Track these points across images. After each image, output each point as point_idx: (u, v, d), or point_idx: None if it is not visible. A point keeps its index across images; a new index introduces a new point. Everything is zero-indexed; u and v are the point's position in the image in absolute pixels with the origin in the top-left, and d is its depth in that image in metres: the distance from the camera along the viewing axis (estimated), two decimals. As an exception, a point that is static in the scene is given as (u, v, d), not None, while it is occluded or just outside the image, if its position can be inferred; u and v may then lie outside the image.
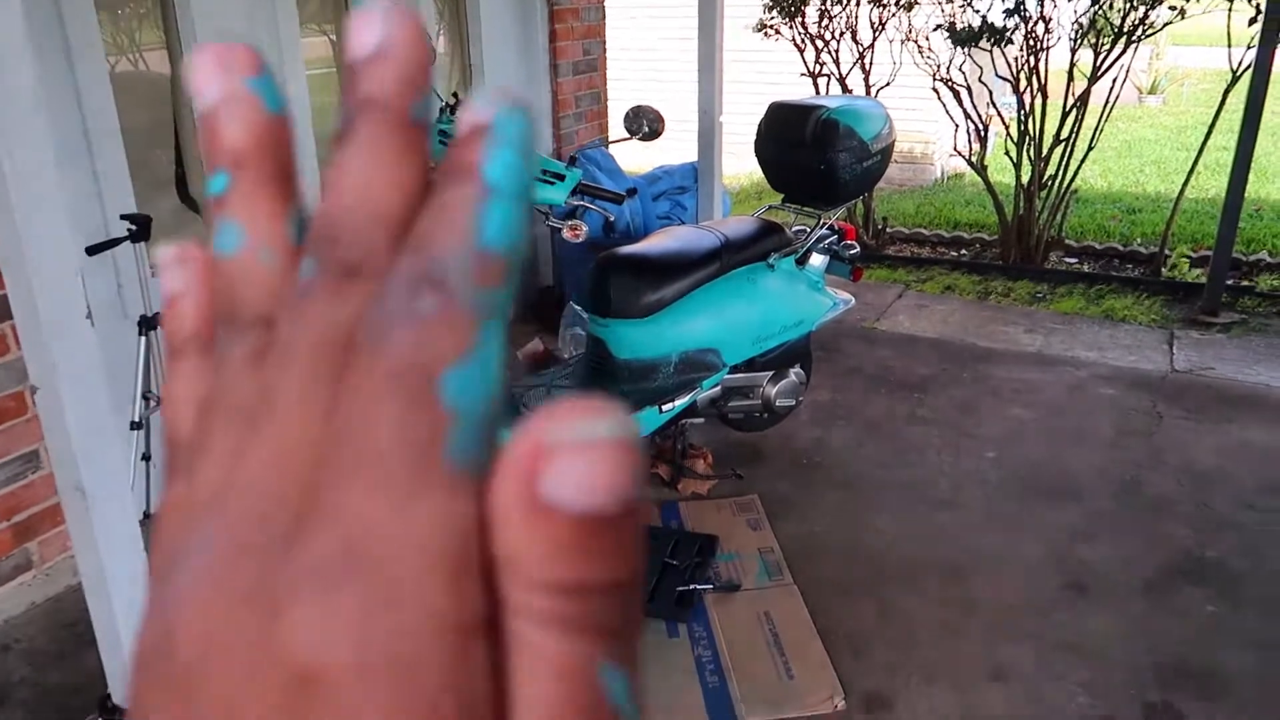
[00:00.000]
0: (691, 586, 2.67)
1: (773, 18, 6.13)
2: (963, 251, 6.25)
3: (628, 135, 2.73)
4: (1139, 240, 6.23)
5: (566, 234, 2.67)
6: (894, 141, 3.40)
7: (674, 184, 4.73)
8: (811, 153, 3.22)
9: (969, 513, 3.14)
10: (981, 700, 2.34)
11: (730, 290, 3.12)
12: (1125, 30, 5.21)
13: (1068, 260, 5.97)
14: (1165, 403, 3.90)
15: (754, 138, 3.48)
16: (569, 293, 4.58)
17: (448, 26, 4.17)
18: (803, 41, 6.09)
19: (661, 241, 3.21)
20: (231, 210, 0.21)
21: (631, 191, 3.05)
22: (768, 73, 7.78)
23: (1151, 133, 9.65)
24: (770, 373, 3.30)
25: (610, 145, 3.49)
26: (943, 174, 8.01)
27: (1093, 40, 5.24)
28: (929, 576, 2.81)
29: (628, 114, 2.72)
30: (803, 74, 6.12)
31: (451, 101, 2.84)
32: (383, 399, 0.17)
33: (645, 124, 2.69)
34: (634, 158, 4.85)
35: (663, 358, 3.04)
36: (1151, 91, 10.90)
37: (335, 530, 0.17)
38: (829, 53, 6.11)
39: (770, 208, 3.61)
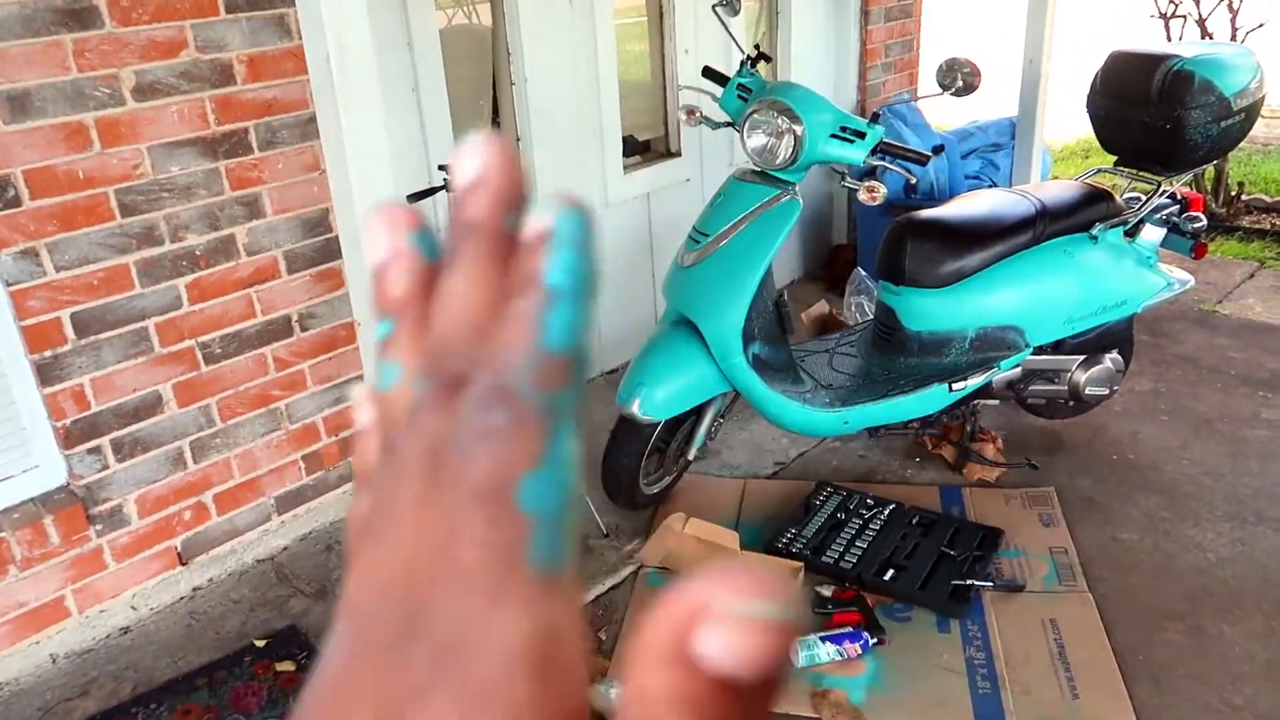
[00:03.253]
0: (969, 581, 2.49)
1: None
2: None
3: (940, 90, 2.51)
4: None
5: (863, 195, 2.52)
6: (1264, 97, 2.89)
7: (987, 141, 4.36)
8: (1157, 109, 2.81)
9: (1319, 540, 2.67)
10: (1315, 766, 1.99)
11: (1043, 263, 2.83)
12: None
13: None
14: None
15: (1087, 91, 3.10)
16: (863, 254, 4.40)
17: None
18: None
19: (968, 205, 2.96)
20: (390, 353, 0.24)
21: (938, 150, 2.81)
22: (1107, 13, 6.95)
23: None
24: (1081, 357, 2.97)
25: (919, 100, 3.25)
26: (1322, 132, 6.79)
27: None
28: (1258, 608, 2.43)
29: (940, 66, 2.50)
30: (1153, 15, 5.39)
31: (753, 54, 2.76)
32: (468, 512, 0.20)
33: (960, 77, 2.46)
34: (945, 112, 4.52)
35: (957, 332, 2.82)
36: None
37: (432, 638, 0.19)
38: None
39: (1100, 171, 3.21)
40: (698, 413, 2.79)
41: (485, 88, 3.31)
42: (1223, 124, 2.79)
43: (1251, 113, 2.85)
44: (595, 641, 2.41)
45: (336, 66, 1.77)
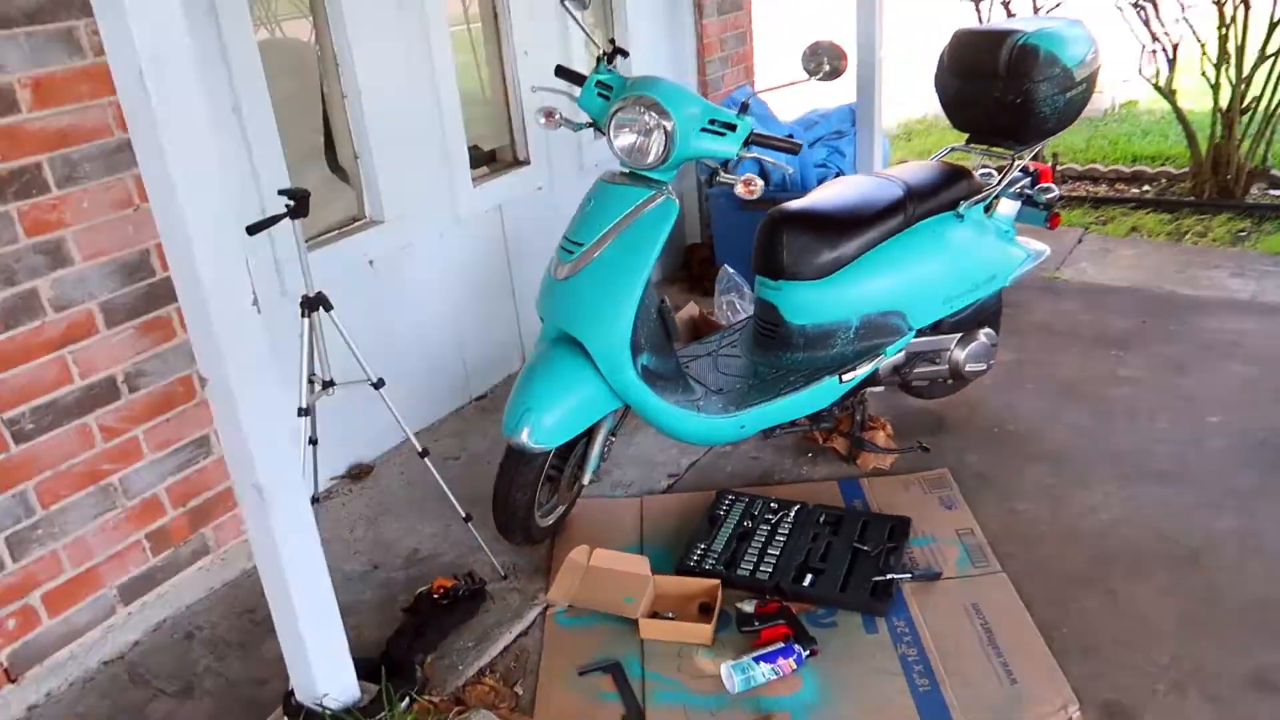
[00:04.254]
0: (889, 576, 2.42)
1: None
2: (1145, 188, 5.66)
3: (806, 76, 2.43)
4: (1356, 166, 5.49)
5: (740, 190, 2.41)
6: (1100, 67, 2.99)
7: (831, 128, 4.39)
8: (1006, 84, 2.85)
9: (1198, 488, 2.76)
10: (1248, 715, 2.02)
11: (916, 245, 2.82)
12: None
13: (1272, 193, 5.32)
14: None
15: (934, 70, 3.13)
16: (720, 252, 4.34)
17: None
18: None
19: (836, 193, 2.92)
20: None
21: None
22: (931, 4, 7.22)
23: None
24: (958, 335, 2.98)
25: (777, 89, 3.20)
26: (1114, 103, 7.31)
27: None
28: (1160, 564, 2.48)
29: (805, 52, 2.42)
30: None
31: (609, 49, 2.61)
32: None
33: (826, 62, 2.40)
34: (784, 102, 4.52)
35: (842, 322, 2.77)
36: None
37: None
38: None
39: (953, 149, 3.25)
40: (589, 434, 2.62)
41: (314, 103, 3.02)
42: (1068, 95, 2.86)
43: (1091, 82, 2.94)
44: (513, 699, 2.20)
45: (153, 83, 1.49)
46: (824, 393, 2.74)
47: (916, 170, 2.98)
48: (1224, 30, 4.95)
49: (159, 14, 1.52)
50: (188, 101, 1.58)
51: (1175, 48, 5.18)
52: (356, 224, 3.13)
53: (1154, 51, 5.23)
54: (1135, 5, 5.13)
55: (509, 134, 3.69)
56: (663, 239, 2.42)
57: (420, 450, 2.48)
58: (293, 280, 2.78)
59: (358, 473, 3.21)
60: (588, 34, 2.60)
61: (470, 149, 3.46)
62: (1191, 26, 5.17)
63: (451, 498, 2.57)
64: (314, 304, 2.23)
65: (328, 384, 2.34)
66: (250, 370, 1.73)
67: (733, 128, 2.42)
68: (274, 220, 2.11)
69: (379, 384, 2.35)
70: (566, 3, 2.58)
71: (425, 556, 2.77)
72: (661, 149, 2.37)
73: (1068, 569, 2.49)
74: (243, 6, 2.60)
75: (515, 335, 3.81)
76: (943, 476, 2.91)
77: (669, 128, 2.35)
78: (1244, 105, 5.04)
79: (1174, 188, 5.55)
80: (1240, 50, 4.96)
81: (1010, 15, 5.57)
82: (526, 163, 3.70)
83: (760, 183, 2.40)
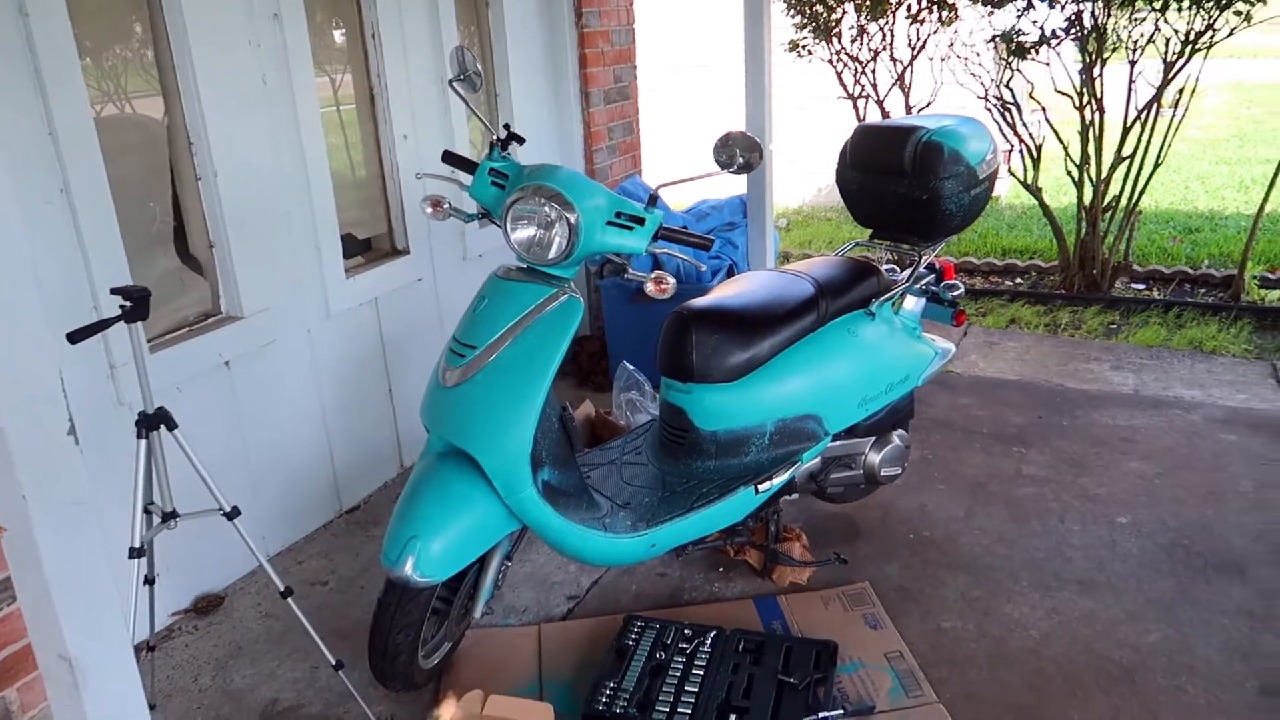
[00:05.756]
0: (820, 715, 2.18)
1: (804, 37, 5.74)
2: (1018, 280, 5.82)
3: (719, 169, 2.27)
4: (1206, 262, 5.81)
5: (650, 289, 2.20)
6: (999, 166, 2.96)
7: (723, 220, 4.29)
8: (912, 181, 2.77)
9: (1120, 596, 2.66)
10: None
11: (830, 345, 2.67)
12: (1190, 39, 4.83)
13: (1135, 286, 5.55)
14: (1299, 449, 3.45)
15: (836, 166, 3.04)
16: (612, 345, 4.13)
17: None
18: (838, 62, 5.69)
19: (744, 290, 2.75)
20: None
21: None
22: (796, 97, 7.39)
23: (1183, 147, 9.29)
24: (873, 438, 2.84)
25: (692, 180, 3.05)
26: (978, 198, 7.59)
27: (1161, 49, 4.85)
28: (1095, 685, 2.33)
29: (717, 144, 2.26)
30: (841, 96, 5.72)
31: (502, 135, 2.39)
32: None
33: (739, 154, 2.24)
34: (673, 192, 4.41)
35: (756, 427, 2.58)
36: (1174, 105, 10.56)
37: None
38: (865, 73, 5.72)
39: (857, 244, 3.17)
40: (482, 560, 2.31)
41: (163, 186, 2.66)
42: (972, 192, 2.81)
43: (992, 180, 2.91)
44: None
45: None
46: (739, 504, 2.52)
47: (824, 266, 2.86)
48: (1084, 132, 5.17)
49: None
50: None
51: (1039, 148, 5.38)
52: (210, 320, 2.76)
53: (1009, 151, 5.42)
54: (1001, 108, 5.32)
55: (386, 222, 3.41)
56: (567, 341, 2.18)
57: (282, 590, 2.10)
58: (130, 389, 2.39)
59: (205, 605, 2.77)
60: (479, 117, 2.38)
61: (343, 237, 3.15)
62: (1054, 128, 5.39)
63: (319, 642, 2.19)
64: (154, 422, 1.86)
65: (169, 515, 1.96)
66: (61, 519, 1.37)
67: (640, 221, 2.22)
68: (104, 325, 1.76)
69: (233, 513, 1.99)
70: (455, 84, 2.35)
71: (286, 708, 2.37)
72: (564, 244, 2.15)
73: (1004, 695, 2.31)
74: (75, 76, 2.26)
75: (392, 440, 3.46)
76: (863, 591, 2.72)
77: (572, 220, 2.13)
78: (1105, 204, 5.25)
79: (1045, 280, 5.72)
80: (1099, 151, 5.19)
81: (885, 114, 5.71)
82: (405, 252, 3.41)
83: (672, 281, 2.20)
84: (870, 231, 3.06)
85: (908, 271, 2.91)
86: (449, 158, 2.44)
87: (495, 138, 2.37)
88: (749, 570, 2.85)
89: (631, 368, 3.53)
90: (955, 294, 2.99)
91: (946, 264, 3.08)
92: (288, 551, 3.06)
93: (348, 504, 3.31)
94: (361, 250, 3.37)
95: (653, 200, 2.27)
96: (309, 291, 3.01)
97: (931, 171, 2.74)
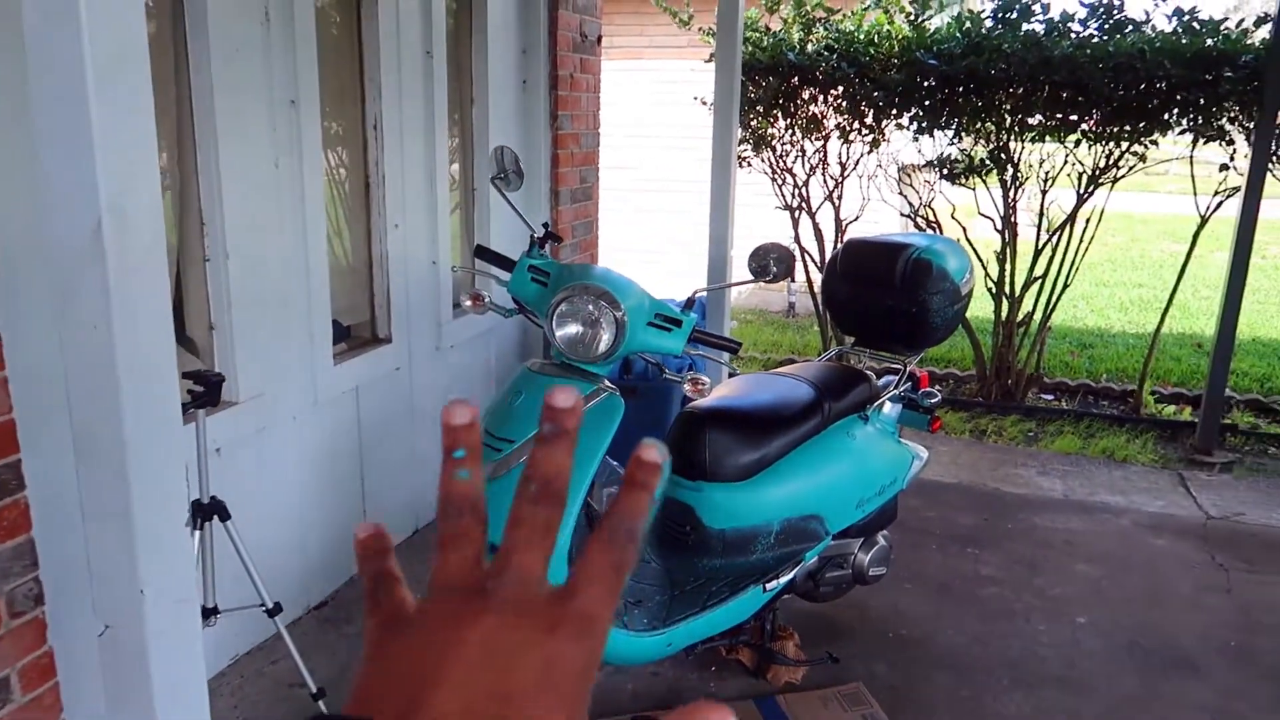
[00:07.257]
0: (849, 816, 2.20)
1: (744, 148, 6.03)
2: (938, 387, 6.14)
3: (753, 278, 2.39)
4: (1105, 377, 6.28)
5: (688, 389, 2.28)
6: (974, 284, 3.19)
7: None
8: (901, 294, 2.95)
9: (1095, 694, 2.80)
10: None
11: (832, 447, 2.77)
12: (1094, 174, 5.33)
13: (1044, 396, 5.94)
14: (1221, 553, 3.73)
15: (823, 276, 3.21)
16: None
17: (456, 152, 3.79)
18: (776, 174, 6.00)
19: (747, 391, 2.85)
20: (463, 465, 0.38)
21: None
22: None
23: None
24: (861, 540, 2.94)
25: (727, 287, 3.15)
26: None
27: (1074, 181, 5.33)
28: (1092, 781, 2.44)
29: (752, 254, 2.38)
30: (778, 207, 6.01)
31: (541, 234, 2.44)
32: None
33: (772, 264, 2.36)
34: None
35: (763, 526, 2.64)
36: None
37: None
38: (798, 186, 6.04)
39: (840, 351, 3.32)
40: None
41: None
42: (954, 307, 3.01)
43: (969, 297, 3.12)
44: None
45: None
46: (749, 603, 2.56)
47: (820, 371, 2.98)
48: (1001, 253, 5.59)
49: None
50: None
51: (960, 265, 5.76)
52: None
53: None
54: (927, 225, 5.70)
55: (370, 309, 3.37)
56: (608, 439, 2.21)
57: (314, 691, 2.01)
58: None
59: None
60: (519, 214, 2.43)
61: (332, 323, 3.10)
62: (973, 247, 5.80)
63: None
64: (209, 512, 1.78)
65: (209, 612, 1.86)
66: (172, 617, 1.30)
67: (677, 323, 2.30)
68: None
69: (275, 609, 1.90)
70: (496, 181, 2.41)
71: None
72: (611, 341, 2.20)
73: (1012, 793, 2.39)
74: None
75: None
76: (858, 691, 2.77)
77: (620, 319, 2.19)
78: (1019, 320, 5.65)
79: (963, 388, 6.06)
80: (1013, 272, 5.61)
81: (816, 229, 6.03)
82: (387, 340, 3.38)
83: (708, 381, 2.28)
84: (852, 339, 3.22)
85: (895, 378, 3.07)
86: (482, 252, 2.47)
87: (534, 235, 2.42)
88: (741, 669, 2.87)
89: (615, 463, 3.54)
90: (933, 401, 3.16)
91: (923, 374, 3.27)
92: (259, 650, 2.89)
93: (315, 599, 3.17)
94: (343, 337, 3.31)
95: (689, 304, 2.35)
96: (299, 378, 2.94)
97: (921, 286, 2.93)
